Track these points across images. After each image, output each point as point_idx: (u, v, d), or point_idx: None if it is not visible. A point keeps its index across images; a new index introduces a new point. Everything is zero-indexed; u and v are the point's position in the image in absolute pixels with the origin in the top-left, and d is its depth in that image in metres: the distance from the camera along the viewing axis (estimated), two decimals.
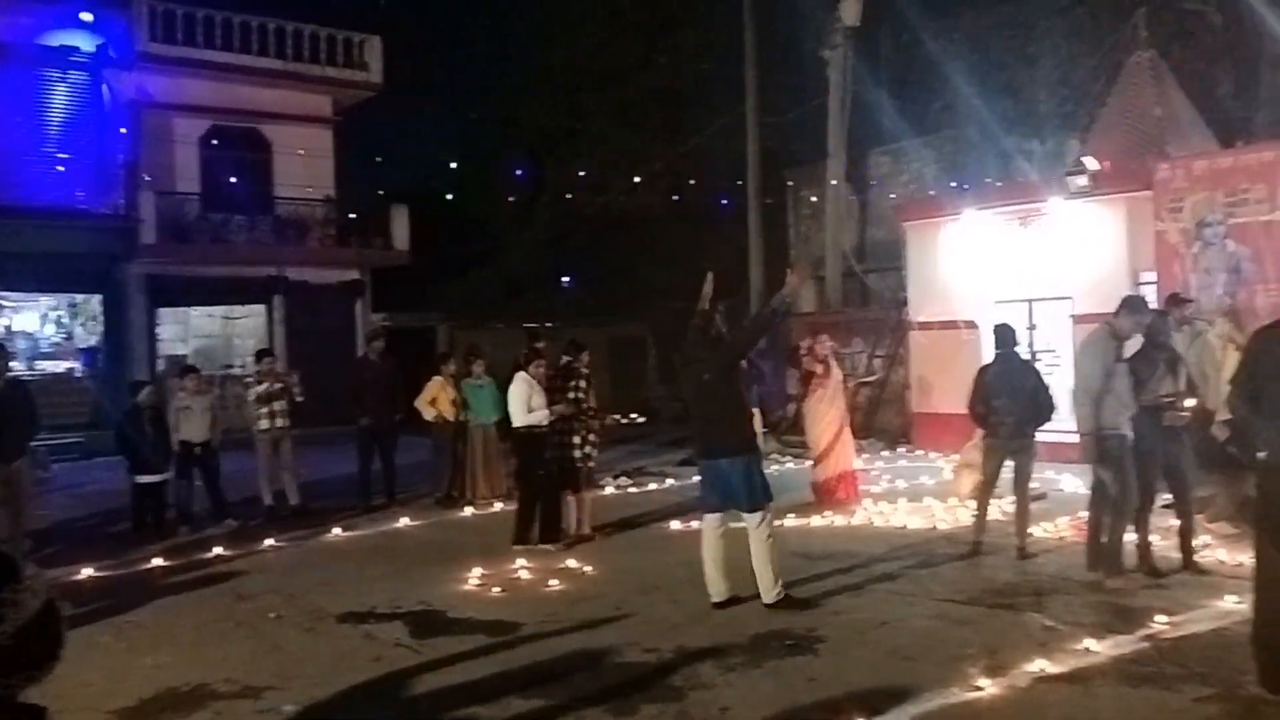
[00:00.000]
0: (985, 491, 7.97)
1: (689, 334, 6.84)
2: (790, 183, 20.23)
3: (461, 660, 5.74)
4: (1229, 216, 11.17)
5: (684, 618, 6.41)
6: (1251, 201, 11.03)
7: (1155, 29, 14.60)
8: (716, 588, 6.55)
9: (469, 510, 10.74)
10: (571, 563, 7.97)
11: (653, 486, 12.20)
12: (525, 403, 8.68)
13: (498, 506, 10.76)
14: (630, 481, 12.32)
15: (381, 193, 20.47)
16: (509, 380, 11.78)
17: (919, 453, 14.10)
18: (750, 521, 6.46)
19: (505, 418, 9.29)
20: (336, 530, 9.81)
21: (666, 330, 22.49)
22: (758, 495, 6.45)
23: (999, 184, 14.01)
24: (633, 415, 10.39)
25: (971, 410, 8.03)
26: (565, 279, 27.02)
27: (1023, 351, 12.76)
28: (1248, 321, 9.40)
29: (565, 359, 9.08)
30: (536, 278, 25.68)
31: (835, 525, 9.31)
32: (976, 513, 7.99)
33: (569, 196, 18.58)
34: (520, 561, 7.97)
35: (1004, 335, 8.08)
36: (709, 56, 20.16)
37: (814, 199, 19.51)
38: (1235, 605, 5.91)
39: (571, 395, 8.76)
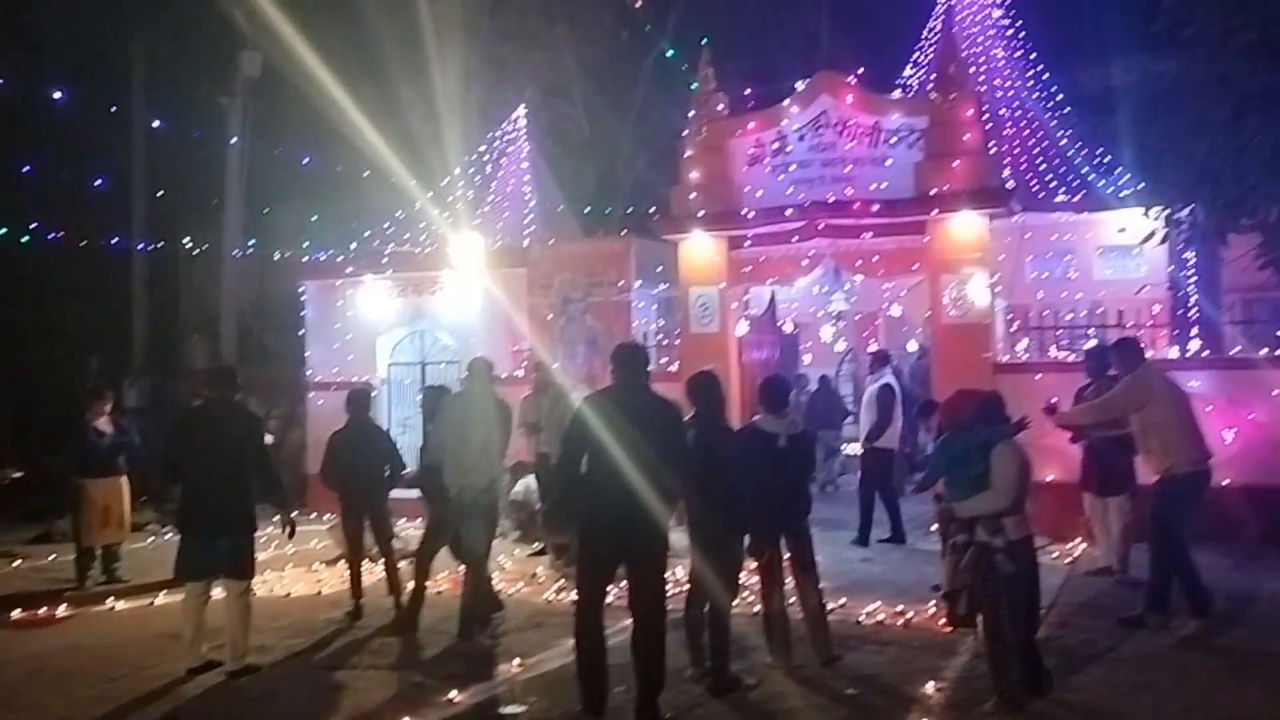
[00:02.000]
0: (354, 554, 8.07)
1: (206, 406, 6.89)
2: (175, 232, 18.84)
3: None
4: (588, 295, 12.81)
5: None
6: (606, 284, 12.79)
7: (534, 126, 16.36)
8: (195, 652, 6.44)
9: None
10: None
11: None
12: None
13: None
14: None
15: None
16: None
17: (313, 515, 13.86)
18: (235, 589, 6.45)
19: None
20: None
21: (27, 381, 19.51)
22: (246, 567, 6.53)
23: (398, 250, 14.50)
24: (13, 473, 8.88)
25: (324, 474, 8.13)
26: None
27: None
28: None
29: None
30: None
31: (218, 597, 8.74)
32: (350, 575, 8.05)
33: None
34: None
35: (356, 400, 8.24)
36: (105, 88, 18.21)
37: (209, 250, 18.44)
38: None
39: None
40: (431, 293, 13.88)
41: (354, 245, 15.00)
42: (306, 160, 17.37)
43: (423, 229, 14.44)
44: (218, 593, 6.60)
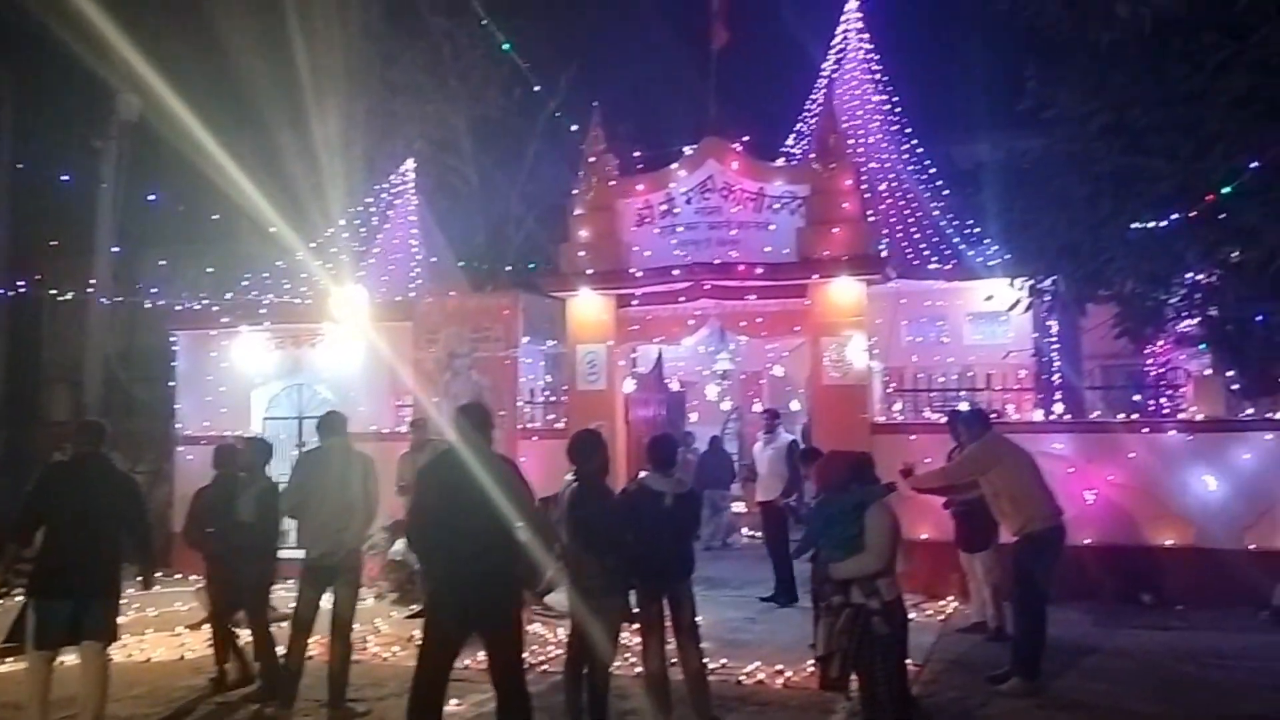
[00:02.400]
0: (220, 617, 7.67)
1: (72, 461, 6.53)
2: (39, 277, 17.91)
3: None
4: (474, 350, 12.68)
5: None
6: (491, 339, 12.68)
7: (423, 179, 16.24)
8: None
9: None
10: None
11: None
12: None
13: None
14: None
15: None
16: None
17: (179, 576, 13.20)
18: (96, 654, 6.15)
19: None
20: None
21: None
22: (109, 630, 6.22)
23: (277, 301, 14.09)
24: None
25: (185, 534, 7.78)
26: None
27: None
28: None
29: None
30: None
31: (66, 665, 8.20)
32: (213, 640, 7.67)
33: None
34: None
35: (223, 456, 7.94)
36: None
37: (74, 296, 17.62)
38: (454, 708, 6.47)
39: None
40: (311, 345, 13.54)
41: (229, 295, 14.54)
42: (181, 207, 16.87)
43: (303, 280, 14.09)
44: (70, 658, 6.20)
